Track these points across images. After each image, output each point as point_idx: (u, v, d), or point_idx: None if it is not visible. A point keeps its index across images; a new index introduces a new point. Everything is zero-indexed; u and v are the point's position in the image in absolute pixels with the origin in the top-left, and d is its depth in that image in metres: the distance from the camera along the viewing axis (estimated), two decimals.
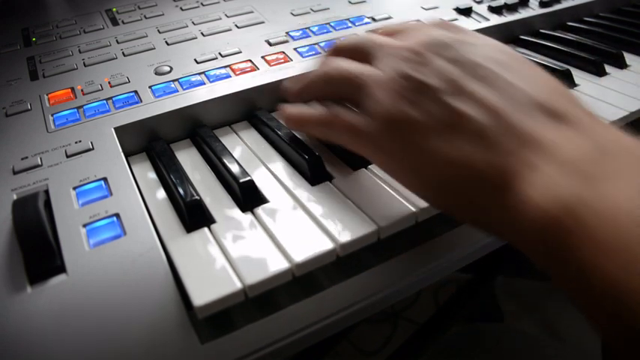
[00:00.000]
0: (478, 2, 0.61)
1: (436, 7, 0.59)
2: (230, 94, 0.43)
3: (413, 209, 0.31)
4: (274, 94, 0.45)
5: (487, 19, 0.58)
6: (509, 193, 0.23)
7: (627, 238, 0.19)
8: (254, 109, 0.44)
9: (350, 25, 0.54)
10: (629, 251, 0.19)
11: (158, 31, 0.53)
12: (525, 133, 0.24)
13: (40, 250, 0.28)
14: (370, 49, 0.33)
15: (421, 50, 0.29)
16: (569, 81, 0.49)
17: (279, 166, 0.38)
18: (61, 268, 0.28)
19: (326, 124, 0.33)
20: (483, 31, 0.56)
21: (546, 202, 0.22)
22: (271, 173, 0.37)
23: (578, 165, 0.22)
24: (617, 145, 0.23)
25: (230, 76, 0.45)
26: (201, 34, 0.52)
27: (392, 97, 0.28)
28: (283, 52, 0.48)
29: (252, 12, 0.57)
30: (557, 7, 0.63)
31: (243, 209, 0.33)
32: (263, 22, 0.54)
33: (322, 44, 0.50)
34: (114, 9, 0.58)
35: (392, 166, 0.30)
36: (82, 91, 0.43)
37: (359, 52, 0.34)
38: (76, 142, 0.37)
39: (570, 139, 0.24)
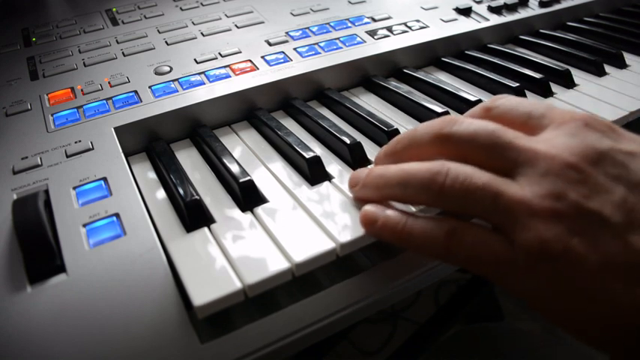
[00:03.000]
0: (478, 2, 0.61)
1: (436, 7, 0.59)
2: (230, 94, 0.43)
3: (413, 209, 0.31)
4: (274, 94, 0.45)
5: (487, 19, 0.58)
6: None
7: None
8: (254, 109, 0.44)
9: (350, 25, 0.54)
10: None
11: (158, 31, 0.53)
12: None
13: (40, 250, 0.28)
14: (508, 151, 0.25)
15: (579, 164, 0.24)
16: (569, 81, 0.49)
17: (279, 166, 0.38)
18: (60, 268, 0.28)
19: (444, 248, 0.25)
20: (483, 31, 0.56)
21: None
22: (271, 173, 0.37)
23: None
24: None
25: (230, 76, 0.45)
26: (201, 34, 0.52)
27: (553, 228, 0.22)
28: (283, 52, 0.48)
29: (252, 12, 0.57)
30: (557, 7, 0.63)
31: (243, 209, 0.33)
32: (263, 22, 0.54)
33: (322, 44, 0.50)
34: (114, 9, 0.58)
35: (542, 306, 0.24)
36: (82, 91, 0.43)
37: (489, 155, 0.26)
38: (75, 142, 0.37)
39: None
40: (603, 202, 0.22)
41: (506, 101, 0.30)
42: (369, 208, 0.29)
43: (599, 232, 0.22)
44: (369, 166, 0.33)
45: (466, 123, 0.27)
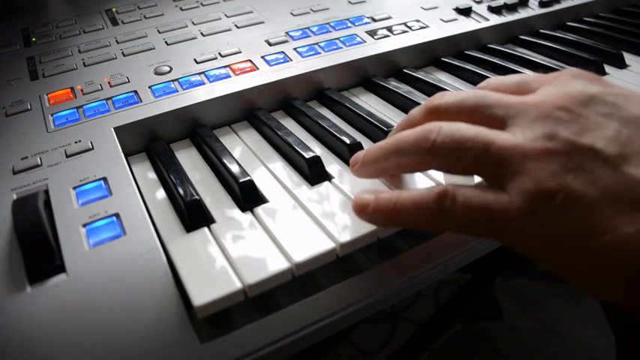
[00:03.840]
0: (478, 2, 0.61)
1: (436, 7, 0.59)
2: (230, 94, 0.43)
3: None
4: (274, 94, 0.45)
5: (487, 19, 0.58)
6: None
7: None
8: (254, 109, 0.44)
9: (350, 25, 0.54)
10: None
11: (158, 31, 0.53)
12: None
13: (39, 250, 0.28)
14: (496, 108, 0.25)
15: (569, 105, 0.24)
16: None
17: (279, 166, 0.38)
18: (60, 268, 0.28)
19: (437, 212, 0.25)
20: (483, 31, 0.56)
21: None
22: (271, 173, 0.37)
23: None
24: None
25: (230, 76, 0.45)
26: (201, 34, 0.52)
27: (548, 167, 0.22)
28: (283, 52, 0.48)
29: (251, 12, 0.57)
30: (557, 7, 0.63)
31: (243, 209, 0.33)
32: (263, 22, 0.54)
33: (322, 44, 0.50)
34: (114, 9, 0.58)
35: (546, 254, 0.23)
36: (81, 91, 0.43)
37: (478, 114, 0.26)
38: (75, 142, 0.37)
39: None
40: (596, 137, 0.22)
41: (497, 78, 0.30)
42: (359, 194, 0.29)
43: (594, 166, 0.21)
44: None
45: (454, 93, 0.28)
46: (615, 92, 0.24)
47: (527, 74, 0.29)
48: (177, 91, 0.43)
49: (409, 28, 0.54)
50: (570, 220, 0.21)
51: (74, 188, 0.33)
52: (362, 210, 0.28)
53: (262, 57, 0.48)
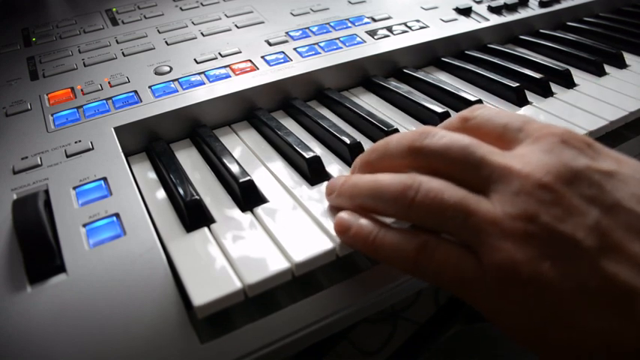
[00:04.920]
0: (478, 2, 0.61)
1: (436, 7, 0.59)
2: (230, 94, 0.43)
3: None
4: (274, 94, 0.45)
5: (487, 19, 0.58)
6: None
7: None
8: (254, 109, 0.44)
9: (350, 25, 0.54)
10: None
11: (158, 31, 0.53)
12: None
13: (40, 250, 0.28)
14: (480, 169, 0.25)
15: (553, 184, 0.23)
16: (569, 81, 0.49)
17: (279, 166, 0.38)
18: (60, 268, 0.28)
19: (413, 261, 0.25)
20: (483, 31, 0.56)
21: None
22: (271, 173, 0.37)
23: None
24: None
25: (230, 76, 0.45)
26: (201, 34, 0.52)
27: (524, 251, 0.22)
28: (283, 52, 0.48)
29: (252, 12, 0.57)
30: (557, 7, 0.63)
31: (243, 209, 0.33)
32: (263, 22, 0.54)
33: (322, 44, 0.50)
34: (114, 9, 0.58)
35: (510, 328, 0.23)
36: (81, 91, 0.43)
37: (460, 169, 0.25)
38: (75, 142, 0.37)
39: None
40: (576, 225, 0.22)
41: (484, 112, 0.29)
42: (343, 215, 0.28)
43: (571, 257, 0.21)
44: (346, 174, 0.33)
45: (438, 136, 0.27)
46: (602, 169, 0.24)
47: (514, 115, 0.28)
48: (178, 91, 0.43)
49: (409, 28, 0.54)
50: (541, 309, 0.21)
51: (74, 188, 0.33)
52: (343, 232, 0.28)
53: (262, 57, 0.48)
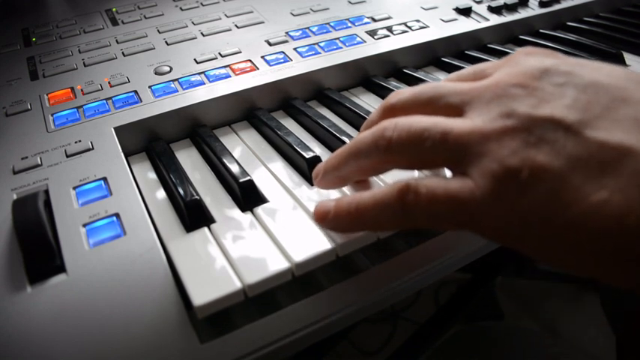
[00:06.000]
0: (478, 2, 0.61)
1: (436, 7, 0.59)
2: (230, 94, 0.43)
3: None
4: (274, 94, 0.45)
5: (487, 19, 0.58)
6: None
7: None
8: (254, 109, 0.44)
9: (350, 25, 0.54)
10: None
11: (158, 31, 0.53)
12: None
13: (40, 250, 0.28)
14: (451, 96, 0.25)
15: (524, 81, 0.23)
16: None
17: (279, 166, 0.38)
18: (60, 268, 0.28)
19: (400, 208, 0.24)
20: (483, 31, 0.56)
21: None
22: (271, 173, 0.37)
23: None
24: None
25: (230, 76, 0.45)
26: (201, 34, 0.52)
27: (508, 145, 0.21)
28: (283, 52, 0.49)
29: (252, 12, 0.57)
30: (557, 7, 0.63)
31: (243, 209, 0.33)
32: (263, 22, 0.54)
33: (322, 44, 0.50)
34: (114, 9, 0.58)
35: (520, 237, 0.22)
36: (81, 91, 0.43)
37: (434, 105, 0.25)
38: (75, 142, 0.37)
39: None
40: (554, 107, 0.21)
41: (455, 72, 0.29)
42: (317, 203, 0.28)
43: (556, 137, 0.20)
44: None
45: (409, 88, 0.28)
46: (569, 62, 0.24)
47: (484, 63, 0.28)
48: (178, 91, 0.43)
49: (409, 28, 0.54)
50: (539, 195, 0.20)
51: (74, 188, 0.33)
52: (323, 218, 0.27)
53: (262, 57, 0.48)
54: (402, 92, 0.28)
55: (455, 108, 0.24)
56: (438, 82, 0.27)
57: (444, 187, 0.23)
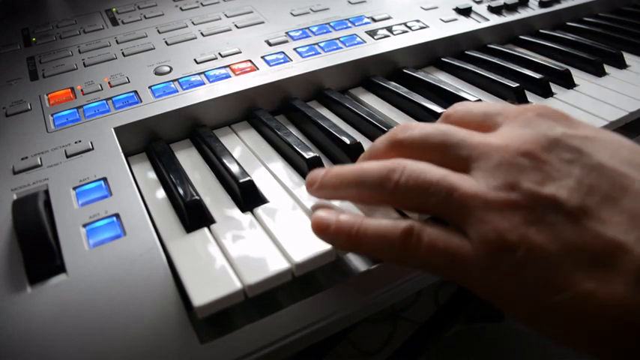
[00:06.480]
0: (478, 2, 0.61)
1: (436, 7, 0.59)
2: (230, 94, 0.43)
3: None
4: (274, 94, 0.45)
5: (487, 19, 0.58)
6: None
7: None
8: (254, 109, 0.44)
9: (350, 25, 0.54)
10: None
11: (158, 31, 0.53)
12: None
13: (40, 250, 0.28)
14: (460, 149, 0.25)
15: (533, 152, 0.23)
16: (568, 81, 0.49)
17: (279, 166, 0.38)
18: (60, 268, 0.28)
19: (400, 247, 0.24)
20: (483, 31, 0.56)
21: None
22: (271, 173, 0.37)
23: None
24: None
25: (230, 76, 0.45)
26: (201, 34, 0.52)
27: (509, 219, 0.22)
28: (283, 52, 0.48)
29: (252, 12, 0.57)
30: (556, 7, 0.63)
31: (243, 209, 0.33)
32: (263, 22, 0.54)
33: (322, 44, 0.50)
34: (114, 9, 0.58)
35: (502, 301, 0.23)
36: (81, 91, 0.43)
37: (442, 153, 0.26)
38: (75, 142, 0.37)
39: None
40: (558, 187, 0.22)
41: (464, 105, 0.29)
42: (320, 213, 0.28)
43: (556, 220, 0.21)
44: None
45: (419, 127, 0.27)
46: (579, 135, 0.24)
47: (494, 104, 0.28)
48: (178, 91, 0.43)
49: (409, 28, 0.54)
50: (531, 274, 0.21)
51: (74, 188, 0.33)
52: (322, 230, 0.27)
53: (262, 57, 0.48)
54: (411, 129, 0.28)
55: (462, 161, 0.25)
56: (448, 128, 0.26)
57: (445, 240, 0.23)
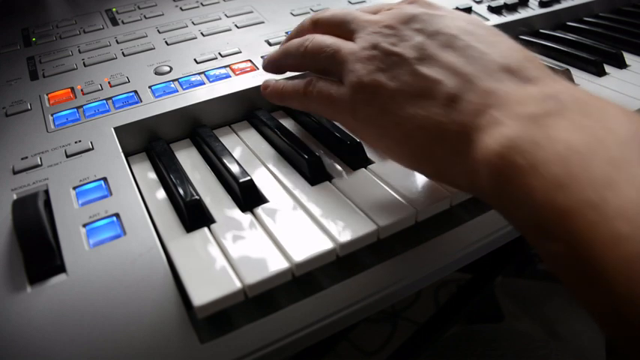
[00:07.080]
0: (478, 2, 0.61)
1: None
2: (230, 94, 0.43)
3: (412, 209, 0.31)
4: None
5: (487, 19, 0.58)
6: (472, 146, 0.25)
7: (568, 166, 0.20)
8: (254, 109, 0.44)
9: None
10: (575, 179, 0.20)
11: (158, 31, 0.53)
12: (490, 93, 0.26)
13: (39, 250, 0.28)
14: (350, 24, 0.34)
15: (394, 24, 0.32)
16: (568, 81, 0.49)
17: (279, 166, 0.38)
18: (60, 268, 0.28)
19: (303, 95, 0.35)
20: None
21: (498, 144, 0.23)
22: (271, 173, 0.37)
23: (533, 113, 0.24)
24: (570, 95, 0.24)
25: (230, 76, 0.45)
26: (201, 34, 0.52)
27: (367, 67, 0.30)
28: None
29: (252, 12, 0.57)
30: (557, 7, 0.63)
31: (243, 209, 0.33)
32: (263, 22, 0.54)
33: None
34: (114, 9, 0.58)
35: (366, 132, 0.31)
36: (81, 91, 0.43)
37: (338, 27, 0.35)
38: (75, 142, 0.37)
39: (531, 94, 0.25)
40: (405, 46, 0.30)
41: (371, 5, 0.40)
42: (265, 80, 0.39)
43: (398, 67, 0.29)
44: None
45: (330, 10, 0.37)
46: (432, 13, 0.31)
47: (389, 4, 0.36)
48: (178, 91, 0.43)
49: None
50: (376, 104, 0.29)
51: (74, 188, 0.33)
52: (264, 88, 0.39)
53: (262, 57, 0.48)
54: (327, 12, 0.37)
55: (351, 33, 0.34)
56: (350, 11, 0.36)
57: (329, 88, 0.33)
